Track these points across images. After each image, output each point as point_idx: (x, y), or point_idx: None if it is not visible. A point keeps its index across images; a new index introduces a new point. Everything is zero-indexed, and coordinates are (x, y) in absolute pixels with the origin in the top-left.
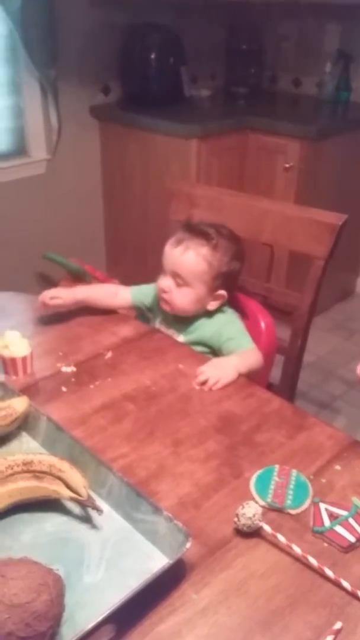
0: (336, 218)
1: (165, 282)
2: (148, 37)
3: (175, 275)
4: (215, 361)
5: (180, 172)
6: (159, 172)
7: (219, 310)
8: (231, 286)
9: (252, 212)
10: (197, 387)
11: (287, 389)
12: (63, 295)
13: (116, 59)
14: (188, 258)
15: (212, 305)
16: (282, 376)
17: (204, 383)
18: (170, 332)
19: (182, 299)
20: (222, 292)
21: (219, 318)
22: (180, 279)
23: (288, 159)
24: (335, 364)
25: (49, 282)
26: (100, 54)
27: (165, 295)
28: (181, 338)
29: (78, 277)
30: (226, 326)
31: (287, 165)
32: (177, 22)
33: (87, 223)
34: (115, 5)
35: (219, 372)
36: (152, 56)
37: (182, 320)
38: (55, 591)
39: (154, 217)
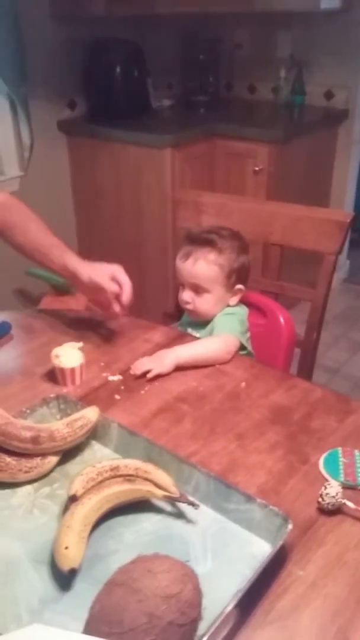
0: (343, 215)
1: (186, 295)
2: (111, 51)
3: (194, 286)
4: (158, 352)
5: (155, 181)
6: (132, 183)
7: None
8: (245, 278)
9: (260, 216)
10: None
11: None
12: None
13: (80, 74)
14: (200, 268)
15: (233, 301)
16: (299, 369)
17: (143, 375)
18: (189, 331)
19: (206, 304)
20: (240, 286)
21: (225, 310)
22: (199, 288)
23: (257, 162)
24: None
25: (29, 299)
26: (64, 69)
27: (189, 306)
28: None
29: (62, 291)
30: (222, 316)
31: (256, 169)
32: (135, 35)
33: (61, 238)
34: (76, 20)
35: (153, 363)
36: (117, 69)
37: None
38: (195, 580)
39: (127, 228)
